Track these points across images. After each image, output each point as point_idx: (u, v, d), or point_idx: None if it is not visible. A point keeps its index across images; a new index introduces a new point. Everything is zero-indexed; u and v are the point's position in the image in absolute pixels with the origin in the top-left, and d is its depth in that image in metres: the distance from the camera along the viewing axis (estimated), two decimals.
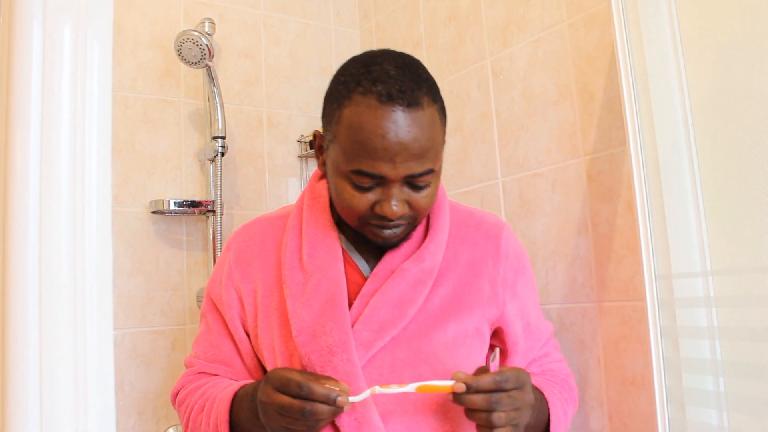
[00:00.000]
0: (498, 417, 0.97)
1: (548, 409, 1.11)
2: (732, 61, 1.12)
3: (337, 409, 0.96)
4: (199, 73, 1.94)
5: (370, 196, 1.04)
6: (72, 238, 0.72)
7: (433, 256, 1.13)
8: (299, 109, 2.15)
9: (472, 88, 1.75)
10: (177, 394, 1.22)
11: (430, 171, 1.03)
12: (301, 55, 2.18)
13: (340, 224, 1.18)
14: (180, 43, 1.76)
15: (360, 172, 1.02)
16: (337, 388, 0.95)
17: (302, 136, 2.12)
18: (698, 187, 1.17)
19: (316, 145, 1.14)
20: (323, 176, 1.23)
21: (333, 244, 1.14)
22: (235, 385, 1.10)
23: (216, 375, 1.19)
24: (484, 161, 1.71)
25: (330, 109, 1.07)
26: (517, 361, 1.20)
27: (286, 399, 0.96)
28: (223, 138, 1.84)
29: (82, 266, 0.73)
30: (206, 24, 1.90)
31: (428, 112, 1.02)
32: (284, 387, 0.96)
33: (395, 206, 1.03)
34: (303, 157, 2.12)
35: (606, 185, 1.39)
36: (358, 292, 1.11)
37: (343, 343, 1.05)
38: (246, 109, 2.04)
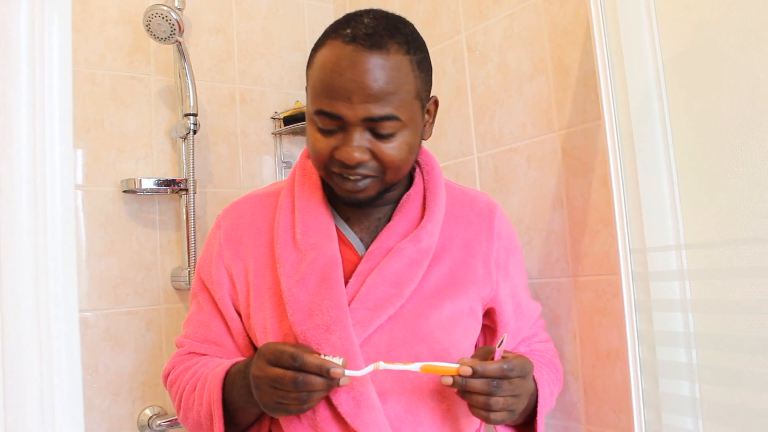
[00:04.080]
0: (496, 401, 0.97)
1: (537, 390, 1.11)
2: (707, 35, 1.12)
3: (332, 383, 0.94)
4: (170, 49, 1.90)
5: (333, 141, 1.04)
6: (33, 219, 0.70)
7: (430, 236, 1.12)
8: (272, 86, 2.12)
9: (447, 62, 1.74)
10: (168, 375, 1.20)
11: (392, 117, 1.01)
12: (273, 30, 2.15)
13: (333, 201, 1.17)
14: (149, 18, 1.72)
15: (320, 112, 1.02)
16: (333, 360, 0.94)
17: (276, 113, 2.09)
18: (672, 161, 1.17)
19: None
20: None
21: (326, 222, 1.13)
22: (227, 363, 1.09)
23: (206, 355, 1.18)
24: (459, 137, 1.70)
25: (310, 58, 1.10)
26: (507, 341, 1.20)
27: (278, 371, 0.94)
28: (195, 115, 1.81)
29: (44, 248, 0.71)
30: None
31: (395, 58, 1.01)
32: (277, 359, 0.95)
33: (354, 151, 1.01)
34: (277, 134, 2.10)
35: (581, 160, 1.39)
36: (353, 271, 1.10)
37: (340, 321, 1.04)
38: (218, 86, 2.01)
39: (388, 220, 1.16)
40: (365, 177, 1.05)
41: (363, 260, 1.11)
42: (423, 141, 1.14)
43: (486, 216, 1.21)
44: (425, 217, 1.14)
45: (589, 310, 1.38)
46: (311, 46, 2.19)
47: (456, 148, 1.71)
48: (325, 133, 1.04)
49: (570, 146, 1.41)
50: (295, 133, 2.10)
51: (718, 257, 1.11)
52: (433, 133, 1.16)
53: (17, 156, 0.68)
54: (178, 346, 1.23)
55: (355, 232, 1.16)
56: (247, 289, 1.14)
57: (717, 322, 1.11)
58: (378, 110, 1.00)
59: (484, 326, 1.22)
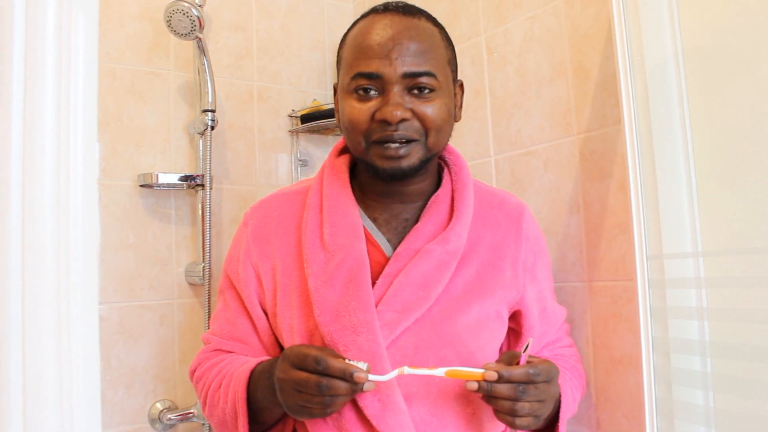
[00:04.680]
0: (522, 406, 0.97)
1: (560, 395, 1.10)
2: (729, 40, 1.11)
3: (355, 387, 0.93)
4: (189, 45, 1.91)
5: (372, 105, 1.05)
6: (56, 211, 0.71)
7: (458, 238, 1.11)
8: (290, 84, 2.12)
9: (466, 64, 1.73)
10: (194, 371, 1.21)
11: (431, 74, 1.04)
12: (293, 29, 2.15)
13: (361, 201, 1.17)
14: (170, 14, 1.73)
15: (359, 75, 1.05)
16: (356, 364, 0.94)
17: (293, 110, 2.10)
18: (691, 167, 1.16)
19: (335, 99, 1.17)
20: (342, 151, 1.22)
21: (355, 222, 1.12)
22: (252, 362, 1.09)
23: (232, 352, 1.18)
24: (476, 138, 1.69)
25: (339, 51, 1.15)
26: (532, 345, 1.20)
27: (303, 374, 0.94)
28: (213, 111, 1.81)
29: (67, 240, 0.72)
30: None
31: (426, 25, 1.07)
32: (301, 362, 0.95)
33: (395, 108, 1.02)
34: (293, 132, 2.10)
35: (599, 164, 1.38)
36: (380, 272, 1.10)
37: (368, 323, 1.03)
38: (236, 83, 2.02)
39: (416, 221, 1.15)
40: (408, 142, 1.06)
41: (390, 262, 1.10)
42: (454, 123, 1.16)
43: (514, 218, 1.20)
44: (453, 218, 1.13)
45: (603, 316, 1.37)
46: (330, 44, 2.21)
47: (473, 150, 1.70)
48: (363, 99, 1.06)
49: (588, 150, 1.41)
50: (311, 131, 2.10)
51: (736, 265, 1.10)
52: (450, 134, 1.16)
53: (42, 150, 0.68)
54: (204, 342, 1.23)
55: (383, 233, 1.15)
56: (274, 287, 1.14)
57: (732, 330, 1.10)
58: (417, 66, 1.03)
59: (509, 329, 1.21)
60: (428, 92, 1.05)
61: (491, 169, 1.65)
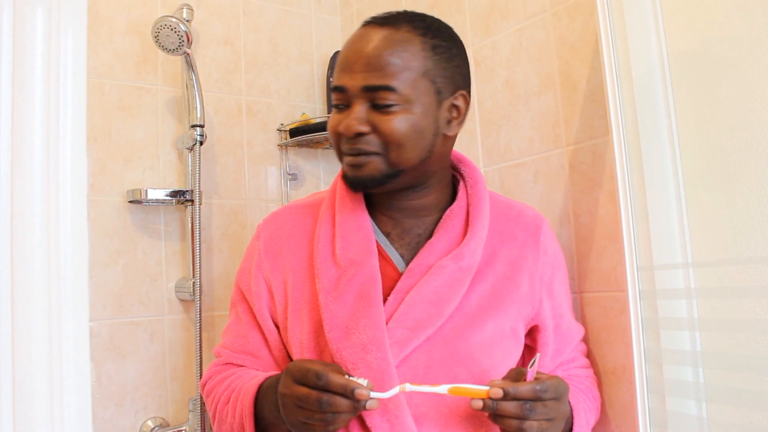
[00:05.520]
0: (530, 425, 0.93)
1: (572, 418, 1.07)
2: (716, 52, 1.12)
3: (357, 405, 0.91)
4: (177, 60, 1.91)
5: (341, 118, 1.06)
6: (46, 228, 0.70)
7: (472, 254, 1.09)
8: (279, 98, 2.12)
9: None
10: (205, 384, 1.19)
11: (389, 88, 1.01)
12: (281, 42, 2.16)
13: (374, 215, 1.15)
14: (157, 30, 1.73)
15: (333, 88, 1.06)
16: (358, 381, 0.91)
17: (282, 124, 2.10)
18: (680, 178, 1.16)
19: None
20: None
21: (367, 237, 1.10)
22: (261, 377, 1.07)
23: (243, 366, 1.17)
24: (465, 151, 1.70)
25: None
26: (545, 363, 1.17)
27: (304, 390, 0.92)
28: (202, 126, 1.81)
29: (57, 256, 0.71)
30: (184, 10, 1.87)
31: (403, 35, 1.04)
32: (303, 377, 0.93)
33: (352, 122, 1.02)
34: (283, 146, 2.10)
35: (588, 176, 1.39)
36: (392, 288, 1.07)
37: (377, 341, 1.01)
38: (225, 97, 2.01)
39: (429, 235, 1.13)
40: (368, 153, 1.04)
41: (403, 277, 1.08)
42: (448, 137, 1.11)
43: (532, 231, 1.17)
44: (468, 234, 1.11)
45: (595, 327, 1.37)
46: (318, 58, 2.22)
47: None
48: (338, 110, 1.07)
49: (577, 162, 1.41)
50: (300, 145, 2.10)
51: (727, 276, 1.10)
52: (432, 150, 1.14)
53: (30, 166, 0.68)
54: (216, 356, 1.22)
55: (396, 248, 1.13)
56: (285, 301, 1.13)
57: (725, 341, 1.10)
58: (376, 80, 1.01)
59: (525, 346, 1.18)
60: (388, 107, 1.02)
61: None
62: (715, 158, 1.12)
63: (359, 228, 1.11)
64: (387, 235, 1.14)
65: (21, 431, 0.69)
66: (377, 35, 1.03)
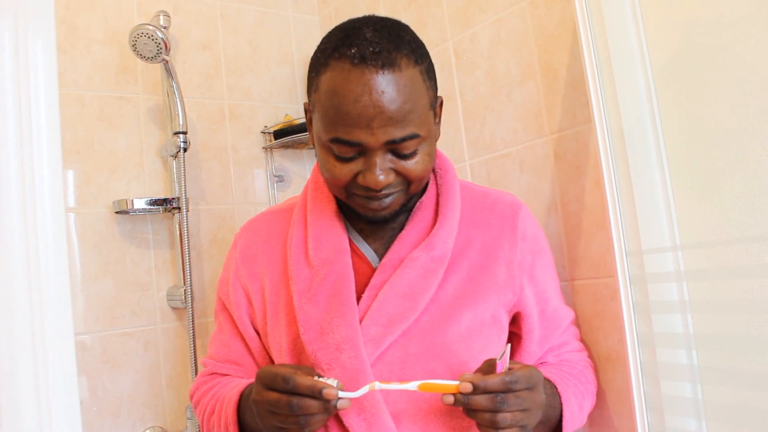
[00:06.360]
0: (503, 418, 0.91)
1: (561, 404, 1.06)
2: (695, 33, 1.12)
3: (328, 405, 0.90)
4: (157, 68, 1.90)
5: (353, 166, 1.00)
6: (25, 245, 0.69)
7: (443, 243, 1.08)
8: (261, 100, 2.12)
9: (436, 71, 1.73)
10: (193, 396, 1.20)
11: (414, 136, 0.98)
12: (260, 44, 2.14)
13: (346, 213, 1.14)
14: (135, 38, 1.72)
15: (338, 141, 0.97)
16: (327, 381, 0.90)
17: (266, 127, 2.09)
18: (664, 161, 1.16)
19: (306, 118, 1.10)
20: None
21: (339, 236, 1.10)
22: (242, 385, 1.07)
23: (228, 375, 1.17)
24: (450, 144, 1.69)
25: (310, 78, 1.04)
26: (532, 349, 1.16)
27: (274, 395, 0.92)
28: (185, 133, 1.80)
29: (38, 273, 0.70)
30: (161, 17, 1.85)
31: (407, 73, 0.97)
32: (272, 382, 0.92)
33: (379, 175, 0.98)
34: (268, 149, 2.09)
35: (573, 163, 1.39)
36: (367, 284, 1.07)
37: (351, 340, 1.01)
38: (207, 102, 2.00)
39: (402, 228, 1.12)
40: (390, 195, 1.02)
41: (376, 273, 1.08)
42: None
43: (509, 217, 1.16)
44: (437, 223, 1.10)
45: (587, 314, 1.37)
46: (299, 58, 2.21)
47: (447, 155, 1.70)
48: (344, 160, 1.00)
49: (562, 150, 1.41)
50: (285, 146, 2.09)
51: (715, 257, 1.10)
52: None
53: (6, 181, 0.67)
54: (203, 366, 1.23)
55: (369, 244, 1.12)
56: (264, 307, 1.13)
57: (716, 322, 1.10)
58: (399, 132, 0.96)
59: (512, 334, 1.17)
60: (411, 153, 1.00)
61: (467, 174, 1.65)
62: (698, 140, 1.11)
63: (331, 227, 1.11)
64: (360, 231, 1.14)
65: None
66: (384, 83, 0.94)
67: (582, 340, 1.31)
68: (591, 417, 1.32)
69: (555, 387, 1.07)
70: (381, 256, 1.11)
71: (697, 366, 1.12)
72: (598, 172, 1.22)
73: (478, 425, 0.94)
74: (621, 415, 1.30)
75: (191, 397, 1.21)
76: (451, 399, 0.92)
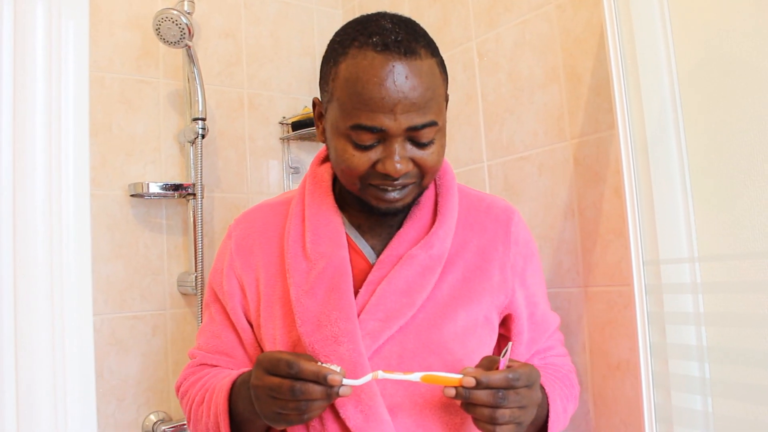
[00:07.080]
0: (502, 414, 0.92)
1: (548, 405, 1.08)
2: (722, 42, 1.11)
3: (330, 392, 0.90)
4: (179, 53, 1.90)
5: (372, 155, 1.00)
6: (48, 223, 0.69)
7: (441, 242, 1.09)
8: (281, 91, 2.11)
9: (458, 70, 1.73)
10: (179, 387, 1.19)
11: (433, 123, 0.99)
12: (282, 35, 2.14)
13: (344, 208, 1.15)
14: (159, 22, 1.72)
15: (360, 127, 0.98)
16: (331, 367, 0.90)
17: (284, 117, 2.09)
18: (686, 172, 1.16)
19: (315, 113, 1.11)
20: (325, 160, 1.20)
21: (337, 230, 1.10)
22: (234, 374, 1.07)
23: (217, 366, 1.16)
24: (469, 144, 1.69)
25: (326, 69, 1.04)
26: (520, 351, 1.17)
27: (276, 379, 0.91)
28: (204, 120, 1.80)
29: (59, 250, 0.70)
30: (185, 2, 1.85)
31: (427, 62, 0.99)
32: (274, 367, 0.92)
33: (398, 163, 0.98)
34: (284, 140, 2.09)
35: (593, 169, 1.38)
36: (363, 280, 1.08)
37: (349, 333, 1.01)
38: (227, 90, 2.00)
39: (400, 226, 1.13)
40: (405, 186, 1.03)
41: (374, 269, 1.08)
42: None
43: (503, 221, 1.17)
44: (436, 222, 1.11)
45: (600, 321, 1.36)
46: (320, 51, 2.20)
47: (466, 156, 1.70)
48: (363, 147, 1.00)
49: (582, 155, 1.40)
50: (302, 138, 2.09)
51: (732, 270, 1.09)
52: None
53: (32, 160, 0.67)
54: (190, 357, 1.22)
55: (366, 240, 1.13)
56: (258, 299, 1.13)
57: (730, 335, 1.09)
58: (420, 119, 0.97)
59: (500, 336, 1.19)
60: (429, 141, 1.01)
61: (484, 175, 1.64)
62: (721, 152, 1.11)
63: (329, 222, 1.11)
64: (358, 227, 1.14)
65: (25, 427, 0.68)
66: (407, 69, 0.96)
67: (565, 345, 1.32)
68: (599, 425, 1.32)
69: (543, 388, 1.08)
70: (378, 253, 1.12)
71: (709, 379, 1.11)
72: (618, 179, 1.22)
73: (476, 420, 0.95)
74: (630, 424, 1.29)
75: (177, 389, 1.19)
76: (452, 392, 0.93)
